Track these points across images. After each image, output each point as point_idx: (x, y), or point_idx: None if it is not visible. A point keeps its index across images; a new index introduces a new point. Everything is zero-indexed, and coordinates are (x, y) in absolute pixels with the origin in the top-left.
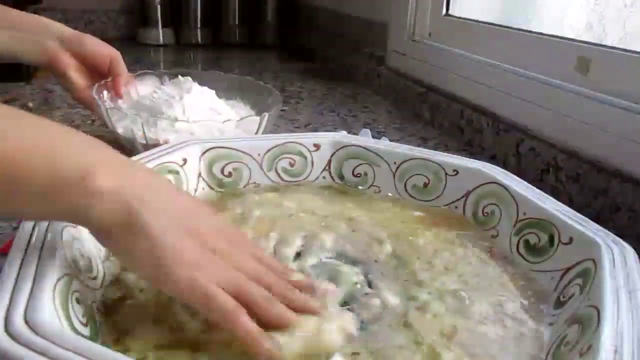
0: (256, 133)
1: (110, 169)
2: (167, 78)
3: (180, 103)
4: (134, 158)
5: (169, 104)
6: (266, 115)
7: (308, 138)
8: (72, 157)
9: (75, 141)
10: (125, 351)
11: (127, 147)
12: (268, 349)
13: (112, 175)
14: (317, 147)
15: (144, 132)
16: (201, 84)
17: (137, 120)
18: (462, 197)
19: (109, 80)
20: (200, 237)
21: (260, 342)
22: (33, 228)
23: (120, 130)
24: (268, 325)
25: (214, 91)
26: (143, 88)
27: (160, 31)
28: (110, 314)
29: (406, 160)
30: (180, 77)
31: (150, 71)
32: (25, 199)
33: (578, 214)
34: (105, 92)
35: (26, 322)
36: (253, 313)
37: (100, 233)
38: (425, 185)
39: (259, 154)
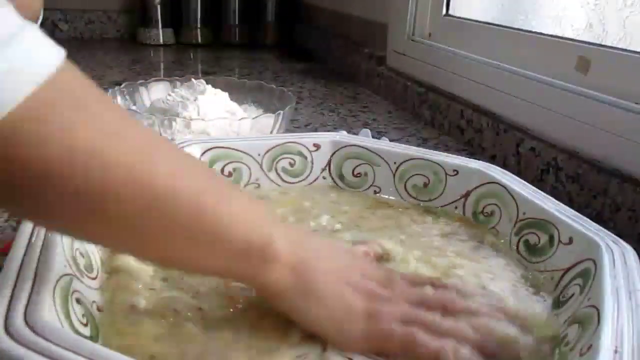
0: (271, 132)
1: (285, 239)
2: (179, 83)
3: (194, 104)
4: None
5: (183, 105)
6: (281, 113)
7: (308, 138)
8: (258, 225)
9: (256, 208)
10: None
11: None
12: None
13: (287, 244)
14: (317, 147)
15: (160, 133)
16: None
17: (152, 121)
18: (462, 197)
19: (123, 86)
20: (362, 289)
21: (442, 348)
22: (33, 228)
23: None
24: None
25: (226, 93)
26: (156, 93)
27: (160, 31)
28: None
29: (406, 160)
30: (193, 79)
31: (161, 78)
32: (215, 256)
33: (578, 214)
34: (119, 97)
35: (26, 322)
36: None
37: (275, 295)
38: (426, 185)
39: (259, 154)
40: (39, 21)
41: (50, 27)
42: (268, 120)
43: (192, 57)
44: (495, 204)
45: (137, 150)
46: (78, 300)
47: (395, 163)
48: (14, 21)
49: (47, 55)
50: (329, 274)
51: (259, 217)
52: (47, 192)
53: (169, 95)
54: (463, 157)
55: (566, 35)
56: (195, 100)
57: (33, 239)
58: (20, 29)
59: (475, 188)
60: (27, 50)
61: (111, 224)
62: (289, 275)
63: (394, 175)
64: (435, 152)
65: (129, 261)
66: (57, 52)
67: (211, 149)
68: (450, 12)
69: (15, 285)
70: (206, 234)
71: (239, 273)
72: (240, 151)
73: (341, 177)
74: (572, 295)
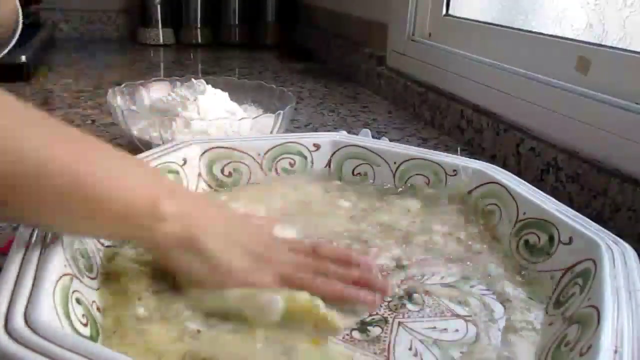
0: (271, 132)
1: (173, 198)
2: (179, 83)
3: (194, 104)
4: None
5: (183, 105)
6: (281, 113)
7: (308, 138)
8: (142, 186)
9: (143, 172)
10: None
11: (142, 149)
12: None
13: (175, 203)
14: (317, 147)
15: (159, 133)
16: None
17: (153, 121)
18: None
19: (123, 86)
20: (245, 248)
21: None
22: (33, 228)
23: (135, 132)
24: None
25: (226, 93)
26: (156, 92)
27: (160, 31)
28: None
29: (406, 160)
30: (193, 79)
31: (161, 78)
32: (100, 220)
33: (578, 214)
34: (119, 97)
35: (26, 322)
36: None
37: (162, 252)
38: (426, 185)
39: (259, 154)
40: (19, 16)
41: (50, 27)
42: (268, 120)
43: (192, 57)
44: (495, 204)
45: (4, 126)
46: (78, 300)
47: (395, 163)
48: None
49: None
50: (216, 232)
51: (141, 180)
52: None
53: (169, 95)
54: (463, 157)
55: (566, 35)
56: (195, 100)
57: (33, 238)
58: None
59: (476, 188)
60: None
61: None
62: (177, 232)
63: (394, 175)
64: (435, 152)
65: (129, 263)
66: None
67: (211, 149)
68: (450, 12)
69: (15, 285)
70: (86, 201)
71: (128, 234)
72: (240, 151)
73: (341, 177)
74: (572, 295)
